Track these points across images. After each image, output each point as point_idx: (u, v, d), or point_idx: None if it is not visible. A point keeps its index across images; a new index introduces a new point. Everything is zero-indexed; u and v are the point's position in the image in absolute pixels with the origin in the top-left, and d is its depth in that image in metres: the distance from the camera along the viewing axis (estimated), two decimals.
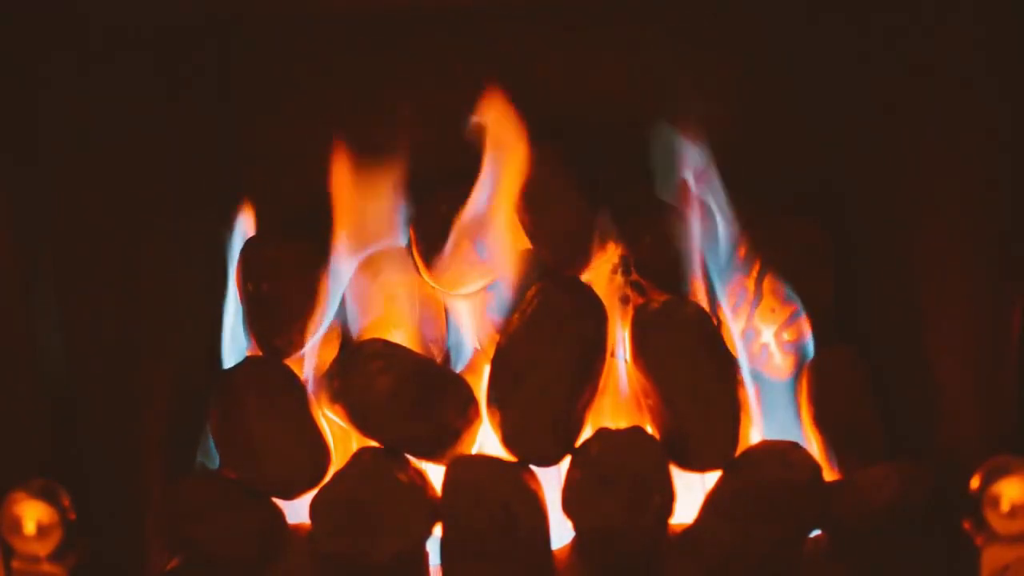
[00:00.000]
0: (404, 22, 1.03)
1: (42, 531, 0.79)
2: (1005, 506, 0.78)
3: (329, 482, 0.89)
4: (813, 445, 0.97)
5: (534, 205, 0.97)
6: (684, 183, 0.99)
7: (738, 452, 0.89)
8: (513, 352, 0.90)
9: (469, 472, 0.88)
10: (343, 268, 0.99)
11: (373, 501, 0.86)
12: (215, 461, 0.98)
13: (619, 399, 0.96)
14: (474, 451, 0.94)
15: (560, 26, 1.03)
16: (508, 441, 0.89)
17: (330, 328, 1.00)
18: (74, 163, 0.86)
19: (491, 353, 0.94)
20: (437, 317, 1.03)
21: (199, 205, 1.02)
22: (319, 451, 0.93)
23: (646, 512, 0.85)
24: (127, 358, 0.92)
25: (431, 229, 1.00)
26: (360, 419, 0.91)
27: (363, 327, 1.00)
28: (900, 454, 0.95)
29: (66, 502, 0.80)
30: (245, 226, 1.03)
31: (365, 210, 1.00)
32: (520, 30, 1.00)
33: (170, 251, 0.99)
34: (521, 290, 0.96)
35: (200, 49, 1.02)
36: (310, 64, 1.05)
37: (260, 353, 1.00)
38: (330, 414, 0.93)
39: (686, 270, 0.99)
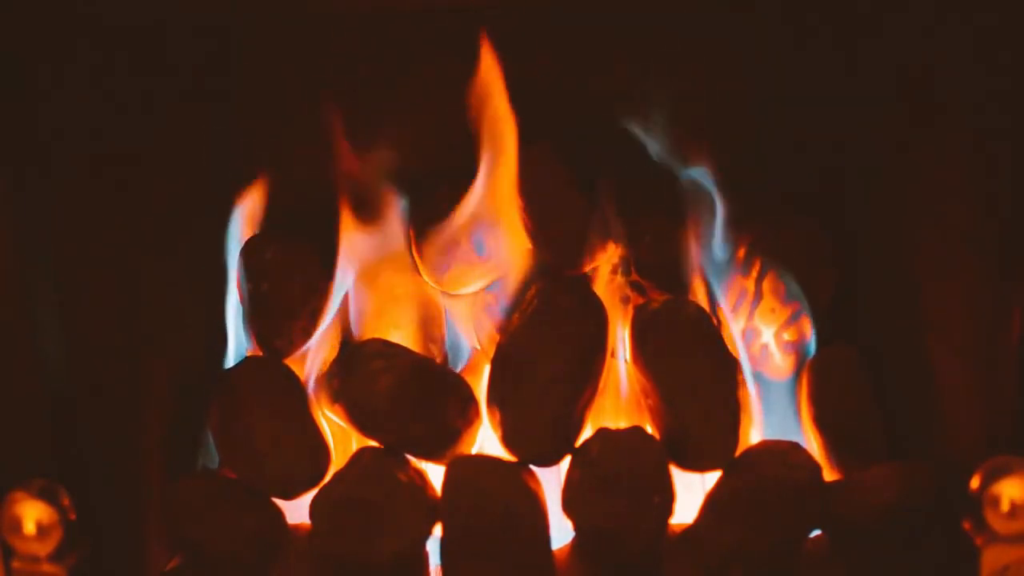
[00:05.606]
0: (404, 22, 1.02)
1: (42, 531, 0.79)
2: (1005, 506, 0.78)
3: (329, 482, 0.89)
4: (813, 445, 0.97)
5: (534, 205, 0.97)
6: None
7: (738, 452, 0.89)
8: (513, 352, 0.90)
9: (469, 472, 0.88)
10: (343, 268, 0.99)
11: (373, 501, 0.86)
12: (215, 461, 0.99)
13: (619, 399, 0.96)
14: (474, 451, 0.94)
15: (560, 26, 1.03)
16: (508, 441, 0.89)
17: (330, 328, 1.00)
18: (74, 163, 0.86)
19: (491, 353, 0.94)
20: (437, 317, 1.03)
21: (199, 205, 1.02)
22: (319, 451, 0.93)
23: (646, 512, 0.85)
24: (127, 358, 0.92)
25: (431, 230, 1.00)
26: (360, 419, 0.91)
27: (363, 327, 1.00)
28: (900, 454, 0.95)
29: (66, 502, 0.80)
30: (245, 226, 1.03)
31: (365, 210, 1.00)
32: (520, 30, 0.99)
33: (170, 251, 0.99)
34: (521, 290, 0.96)
35: (200, 49, 1.02)
36: (310, 64, 1.05)
37: (260, 353, 1.00)
38: (330, 414, 0.94)
39: (686, 270, 0.99)
